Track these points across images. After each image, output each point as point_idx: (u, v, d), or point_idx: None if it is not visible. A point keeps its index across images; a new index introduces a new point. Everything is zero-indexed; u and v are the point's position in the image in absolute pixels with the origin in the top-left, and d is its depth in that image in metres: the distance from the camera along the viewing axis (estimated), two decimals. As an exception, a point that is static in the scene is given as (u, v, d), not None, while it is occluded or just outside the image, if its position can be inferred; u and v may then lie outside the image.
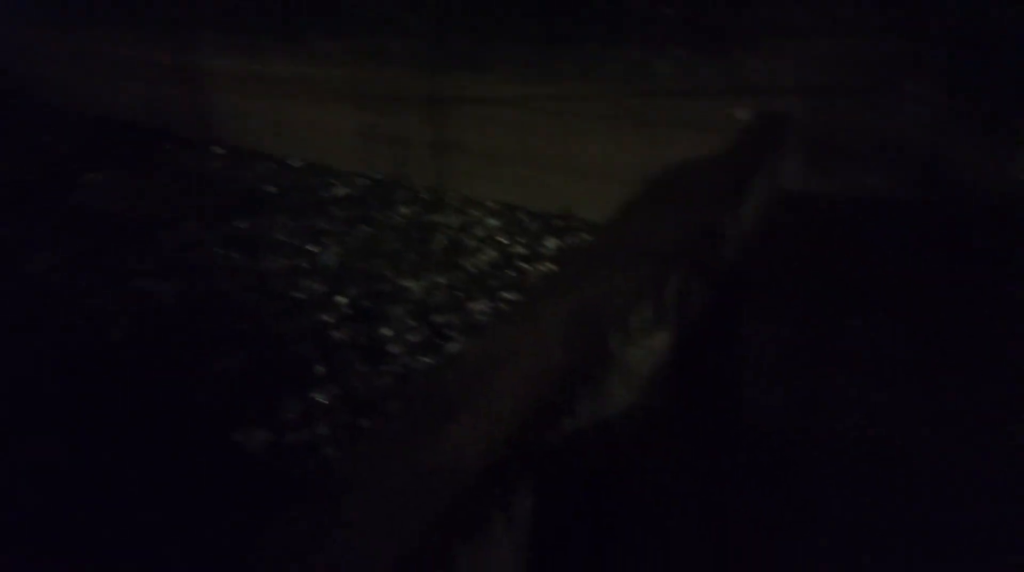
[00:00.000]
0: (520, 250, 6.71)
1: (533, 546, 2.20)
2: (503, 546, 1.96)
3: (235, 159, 10.15)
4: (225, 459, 4.50)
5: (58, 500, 4.12)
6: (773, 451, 2.73)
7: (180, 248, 7.33)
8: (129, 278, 6.76)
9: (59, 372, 5.40)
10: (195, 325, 5.89)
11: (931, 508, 2.36)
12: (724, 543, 2.24)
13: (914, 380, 3.13)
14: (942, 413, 2.85)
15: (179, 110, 11.40)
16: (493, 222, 7.36)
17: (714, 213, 3.94)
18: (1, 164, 10.55)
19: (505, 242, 6.90)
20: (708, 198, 3.94)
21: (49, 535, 3.83)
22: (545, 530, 2.28)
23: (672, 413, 3.04)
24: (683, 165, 5.04)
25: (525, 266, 6.40)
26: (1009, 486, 2.37)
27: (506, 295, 5.88)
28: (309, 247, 7.08)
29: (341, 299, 6.09)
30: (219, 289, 6.40)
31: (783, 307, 3.91)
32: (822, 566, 2.12)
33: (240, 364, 5.36)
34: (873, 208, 5.30)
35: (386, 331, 5.58)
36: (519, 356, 2.39)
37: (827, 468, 2.62)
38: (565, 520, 2.42)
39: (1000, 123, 5.04)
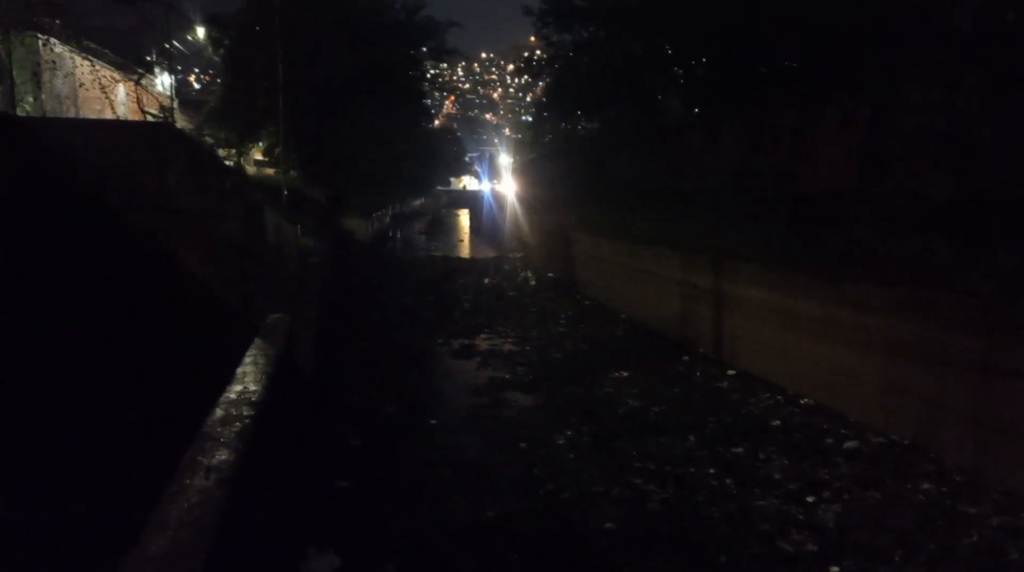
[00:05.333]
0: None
1: None
2: None
3: (745, 383, 10.45)
4: None
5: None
6: None
7: (676, 458, 7.71)
8: (628, 473, 7.37)
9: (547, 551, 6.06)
10: (677, 542, 5.99)
11: None
12: None
13: None
14: None
15: (703, 329, 12.49)
16: (1055, 537, 5.74)
17: None
18: (554, 352, 13.01)
19: (1073, 571, 5.27)
20: None
21: None
22: None
23: None
24: None
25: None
26: None
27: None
28: (806, 496, 6.64)
29: (834, 569, 5.44)
30: (706, 513, 6.43)
31: None
32: None
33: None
34: None
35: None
36: None
37: None
38: None
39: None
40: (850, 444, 7.87)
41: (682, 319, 13.36)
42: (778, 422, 8.74)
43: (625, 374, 11.12)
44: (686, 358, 12.09)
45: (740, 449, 7.91)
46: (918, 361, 7.83)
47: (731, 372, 11.07)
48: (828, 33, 9.44)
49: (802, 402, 9.43)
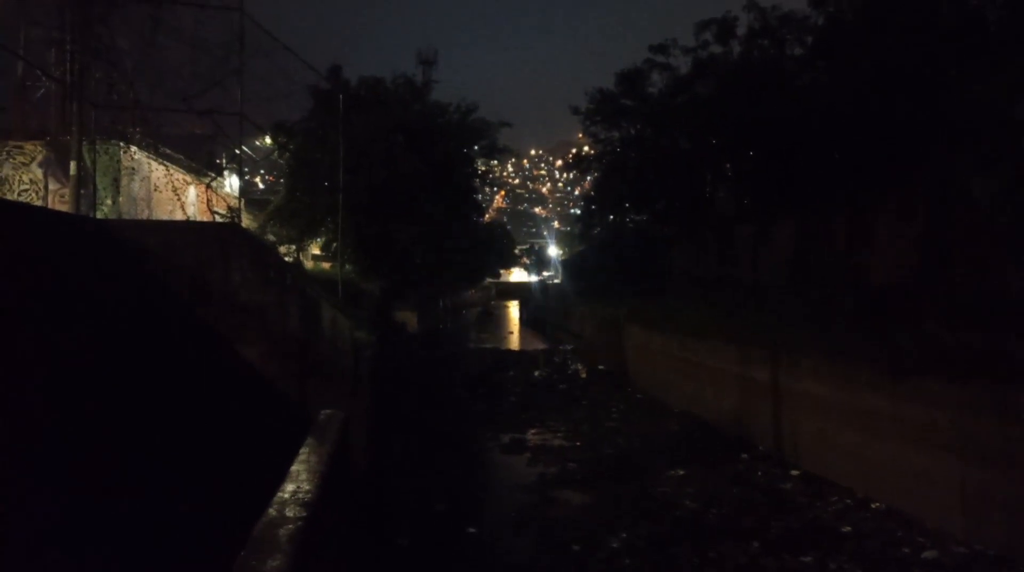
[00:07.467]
0: None
1: None
2: None
3: (810, 484, 9.89)
4: None
5: None
6: None
7: (740, 567, 7.26)
8: (690, 582, 6.95)
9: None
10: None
11: None
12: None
13: None
14: None
15: (762, 426, 11.99)
16: None
17: None
18: (606, 447, 12.62)
19: None
20: None
21: None
22: None
23: None
24: None
25: None
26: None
27: None
28: (887, 614, 6.12)
29: None
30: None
31: None
32: None
33: None
34: None
35: None
36: None
37: None
38: None
39: None
40: (928, 554, 7.29)
41: (739, 414, 12.90)
42: (848, 528, 8.19)
43: (681, 472, 10.69)
44: (745, 456, 11.58)
45: (809, 558, 7.41)
46: (1000, 463, 7.31)
47: (794, 472, 10.53)
48: (882, 128, 9.49)
49: (873, 506, 8.85)
